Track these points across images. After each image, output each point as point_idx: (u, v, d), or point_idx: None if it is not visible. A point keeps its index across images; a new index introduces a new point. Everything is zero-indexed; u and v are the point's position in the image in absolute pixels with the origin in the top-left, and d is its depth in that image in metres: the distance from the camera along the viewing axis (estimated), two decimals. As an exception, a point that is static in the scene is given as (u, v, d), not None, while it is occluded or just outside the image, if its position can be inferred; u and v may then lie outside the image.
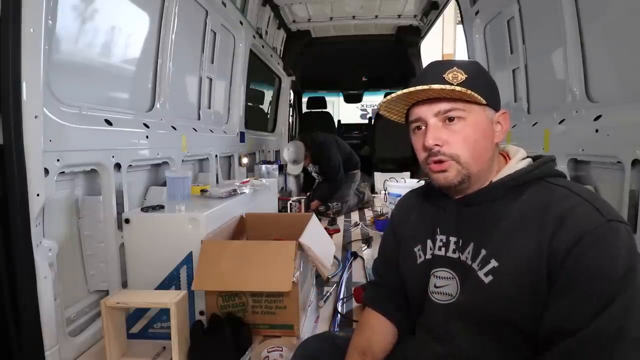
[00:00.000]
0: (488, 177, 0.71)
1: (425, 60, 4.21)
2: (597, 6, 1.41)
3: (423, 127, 0.71)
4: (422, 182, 2.91)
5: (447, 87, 0.65)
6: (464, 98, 0.66)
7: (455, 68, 0.69)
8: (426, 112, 0.70)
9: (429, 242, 0.77)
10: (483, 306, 0.65)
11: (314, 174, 3.46)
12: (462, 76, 0.68)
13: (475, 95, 0.65)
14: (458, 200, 0.73)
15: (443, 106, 0.68)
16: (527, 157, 0.73)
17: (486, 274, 0.64)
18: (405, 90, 0.68)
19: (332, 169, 3.20)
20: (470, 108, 0.68)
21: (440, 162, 0.69)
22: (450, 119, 0.68)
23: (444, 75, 0.68)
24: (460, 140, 0.68)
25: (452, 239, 0.72)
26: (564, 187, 0.64)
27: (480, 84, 0.68)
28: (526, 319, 0.60)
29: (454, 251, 0.71)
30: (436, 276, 0.73)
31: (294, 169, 3.19)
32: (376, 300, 0.88)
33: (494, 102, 0.71)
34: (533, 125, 1.84)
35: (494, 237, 0.65)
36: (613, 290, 0.53)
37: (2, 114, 0.89)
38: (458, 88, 0.64)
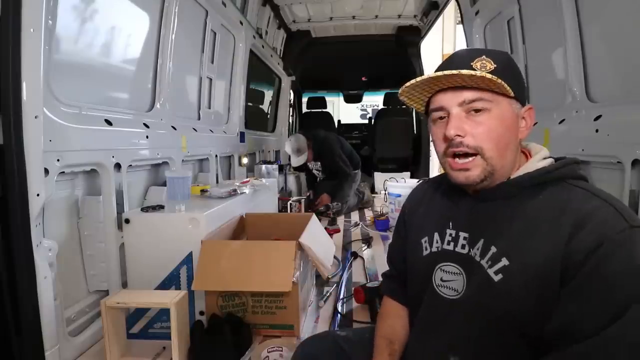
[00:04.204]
0: (508, 174, 0.68)
1: (426, 60, 4.21)
2: (597, 6, 1.41)
3: (445, 117, 0.67)
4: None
5: (477, 73, 0.60)
6: (492, 88, 0.63)
7: (484, 56, 0.66)
8: (449, 100, 0.66)
9: (436, 235, 0.75)
10: (489, 304, 0.63)
11: (315, 172, 3.43)
12: (491, 65, 0.65)
13: (505, 85, 0.61)
14: (473, 195, 0.71)
15: (468, 95, 0.64)
16: (550, 157, 0.70)
17: (496, 272, 0.63)
18: (431, 75, 0.64)
19: (338, 163, 3.14)
20: (497, 99, 0.64)
21: (464, 155, 0.66)
22: (476, 110, 0.64)
23: (472, 64, 0.65)
24: (485, 132, 0.64)
25: (462, 234, 0.70)
26: (585, 189, 0.61)
27: (509, 75, 0.64)
28: (531, 320, 0.59)
29: (463, 246, 0.70)
30: (443, 270, 0.72)
31: (298, 160, 3.12)
32: (393, 290, 0.91)
33: (521, 96, 0.68)
34: (533, 125, 1.83)
35: (507, 235, 0.64)
36: (628, 300, 0.51)
37: (2, 114, 0.89)
38: (488, 76, 0.60)
